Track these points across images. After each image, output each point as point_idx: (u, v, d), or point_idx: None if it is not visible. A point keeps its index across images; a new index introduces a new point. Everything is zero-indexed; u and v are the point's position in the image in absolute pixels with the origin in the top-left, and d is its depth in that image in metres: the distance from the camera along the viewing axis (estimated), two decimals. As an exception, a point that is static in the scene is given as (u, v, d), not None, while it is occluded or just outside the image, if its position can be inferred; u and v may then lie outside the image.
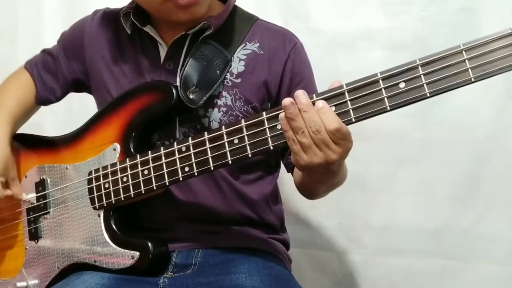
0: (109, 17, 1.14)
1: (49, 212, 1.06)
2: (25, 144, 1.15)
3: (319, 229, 1.55)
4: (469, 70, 0.72)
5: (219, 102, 1.03)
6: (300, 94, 0.81)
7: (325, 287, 1.56)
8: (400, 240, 1.47)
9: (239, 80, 1.04)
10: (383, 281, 1.49)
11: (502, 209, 1.38)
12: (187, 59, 1.01)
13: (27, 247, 1.08)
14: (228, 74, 1.03)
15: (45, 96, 1.19)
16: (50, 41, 1.69)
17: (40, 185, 1.08)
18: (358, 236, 1.52)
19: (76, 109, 1.24)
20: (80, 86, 1.19)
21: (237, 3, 1.11)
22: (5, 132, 1.09)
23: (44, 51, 1.22)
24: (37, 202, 1.08)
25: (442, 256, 1.43)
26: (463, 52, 0.72)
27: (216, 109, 1.02)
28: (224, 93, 1.03)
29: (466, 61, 0.72)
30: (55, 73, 1.18)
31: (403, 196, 1.46)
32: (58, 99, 1.21)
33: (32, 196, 1.09)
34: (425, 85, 0.74)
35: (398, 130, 1.42)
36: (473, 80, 0.71)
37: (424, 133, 1.42)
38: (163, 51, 1.06)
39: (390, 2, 1.44)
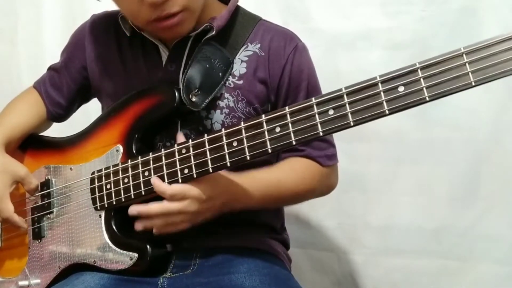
0: (108, 20, 1.14)
1: (52, 212, 1.06)
2: (33, 144, 1.16)
3: (319, 229, 1.55)
4: (470, 73, 0.70)
5: (222, 103, 1.02)
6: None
7: (325, 287, 1.56)
8: (400, 240, 1.47)
9: (241, 82, 1.03)
10: (383, 281, 1.50)
11: (502, 209, 1.38)
12: (189, 62, 1.00)
13: (30, 246, 1.08)
14: (230, 76, 1.03)
15: (54, 111, 1.19)
16: (50, 41, 1.71)
17: (45, 185, 1.09)
18: (358, 236, 1.52)
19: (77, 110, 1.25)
20: (87, 93, 1.19)
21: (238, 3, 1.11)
22: None
23: (50, 68, 1.22)
24: (41, 202, 1.08)
25: (442, 256, 1.44)
26: (464, 55, 0.71)
27: (218, 111, 1.02)
28: (227, 95, 1.03)
29: (467, 64, 0.70)
30: (60, 86, 1.18)
31: (403, 196, 1.46)
32: (67, 111, 1.21)
33: (37, 195, 1.09)
34: (424, 89, 0.72)
35: (397, 130, 1.42)
36: (473, 84, 0.70)
37: (424, 133, 1.43)
38: (164, 53, 1.06)
39: (390, 2, 1.44)
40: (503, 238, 1.38)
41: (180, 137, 0.94)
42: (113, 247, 0.97)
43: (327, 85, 1.09)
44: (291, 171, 1.05)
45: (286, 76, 1.05)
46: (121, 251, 0.96)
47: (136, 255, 0.94)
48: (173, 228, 0.92)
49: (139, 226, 0.92)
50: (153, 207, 0.90)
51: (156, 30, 0.99)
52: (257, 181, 0.99)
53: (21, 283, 1.06)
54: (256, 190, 0.98)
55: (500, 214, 1.38)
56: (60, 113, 1.20)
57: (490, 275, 1.40)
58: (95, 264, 0.98)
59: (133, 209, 0.92)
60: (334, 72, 1.44)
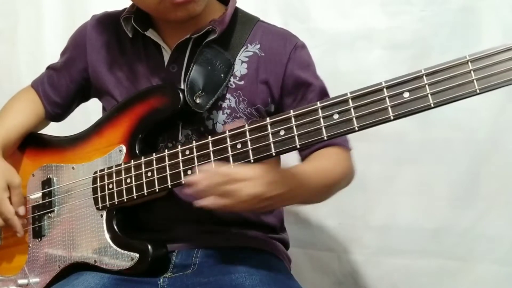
0: (109, 20, 1.14)
1: (53, 211, 1.06)
2: (34, 143, 1.16)
3: (319, 229, 1.55)
4: (474, 81, 0.70)
5: (223, 104, 1.02)
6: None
7: (325, 287, 1.56)
8: (400, 240, 1.47)
9: (242, 83, 1.04)
10: (383, 281, 1.50)
11: (502, 209, 1.39)
12: (191, 64, 1.00)
13: (30, 245, 1.08)
14: (231, 77, 1.03)
15: (52, 111, 1.19)
16: (50, 41, 1.71)
17: (46, 184, 1.08)
18: (358, 236, 1.52)
19: (77, 109, 1.25)
20: (85, 93, 1.19)
21: (237, 4, 1.10)
22: None
23: (48, 68, 1.22)
24: (42, 200, 1.08)
25: (442, 256, 1.44)
26: (469, 63, 0.71)
27: (220, 112, 1.02)
28: (228, 96, 1.03)
29: (472, 72, 0.71)
30: (59, 86, 1.18)
31: (403, 196, 1.46)
32: (65, 110, 1.21)
33: (38, 194, 1.09)
34: (429, 95, 0.73)
35: (398, 130, 1.42)
36: (478, 91, 0.70)
37: (424, 133, 1.43)
38: (166, 54, 1.06)
39: (390, 2, 1.44)
40: (503, 238, 1.39)
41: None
42: (114, 247, 0.97)
43: (327, 85, 1.10)
44: (329, 160, 1.03)
45: (290, 74, 1.05)
46: (122, 251, 0.96)
47: (137, 255, 0.94)
48: (230, 199, 0.83)
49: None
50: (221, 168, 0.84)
51: (169, 10, 0.96)
52: (308, 174, 0.95)
53: (20, 281, 1.06)
54: (310, 182, 0.94)
55: (500, 214, 1.39)
56: (58, 113, 1.20)
57: (490, 275, 1.40)
58: (96, 264, 0.98)
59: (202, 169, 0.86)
60: (334, 72, 1.44)
